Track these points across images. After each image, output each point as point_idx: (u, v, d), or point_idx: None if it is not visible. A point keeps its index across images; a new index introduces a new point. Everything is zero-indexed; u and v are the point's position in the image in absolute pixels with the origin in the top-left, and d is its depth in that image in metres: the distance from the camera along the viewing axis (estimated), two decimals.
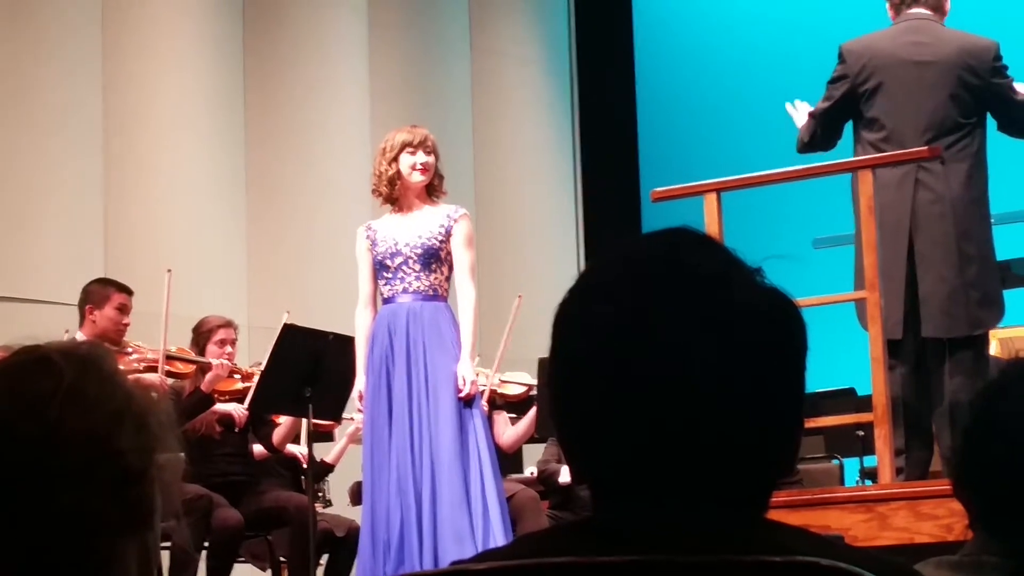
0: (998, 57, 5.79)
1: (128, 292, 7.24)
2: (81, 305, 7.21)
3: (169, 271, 7.30)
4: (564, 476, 7.95)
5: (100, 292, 7.22)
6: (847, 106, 5.84)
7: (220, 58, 9.79)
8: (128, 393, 1.51)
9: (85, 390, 1.48)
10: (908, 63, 5.75)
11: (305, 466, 7.36)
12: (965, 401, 5.48)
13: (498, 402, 8.25)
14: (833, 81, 5.87)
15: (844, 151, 5.96)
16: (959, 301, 5.58)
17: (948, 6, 5.91)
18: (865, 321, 5.54)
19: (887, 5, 5.96)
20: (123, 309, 7.19)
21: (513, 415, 8.40)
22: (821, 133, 5.91)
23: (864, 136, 5.79)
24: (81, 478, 1.44)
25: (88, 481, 1.44)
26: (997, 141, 5.96)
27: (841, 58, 5.86)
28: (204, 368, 7.38)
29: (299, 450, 7.78)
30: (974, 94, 5.73)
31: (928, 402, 5.65)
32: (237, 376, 7.52)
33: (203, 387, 7.32)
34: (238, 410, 7.37)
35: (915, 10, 5.84)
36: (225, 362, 7.40)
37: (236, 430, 7.41)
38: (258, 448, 7.73)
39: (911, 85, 5.73)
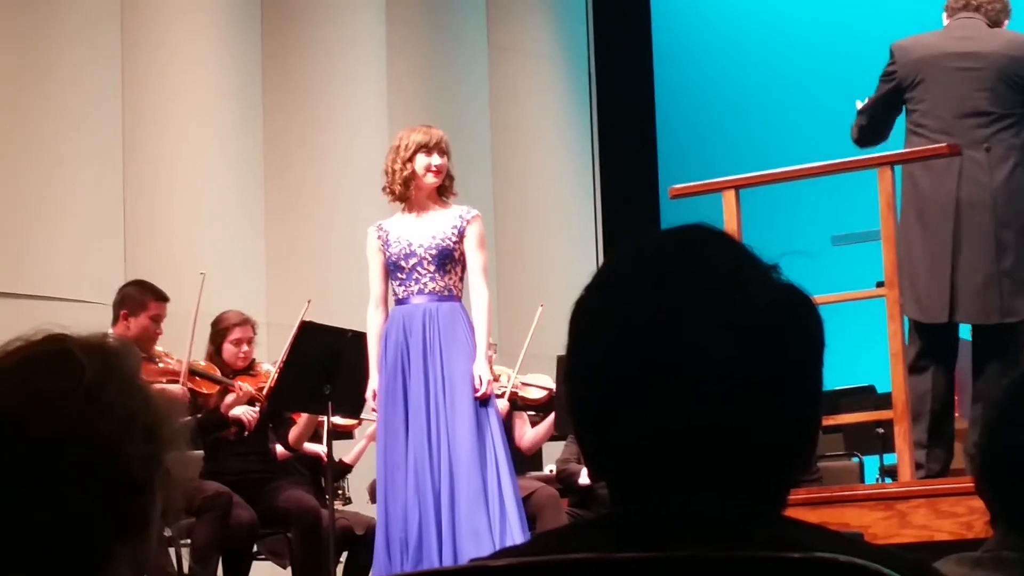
0: None
1: (164, 299, 7.19)
2: (116, 307, 7.17)
3: (203, 274, 7.29)
4: (584, 478, 7.94)
5: (137, 299, 7.15)
6: (893, 101, 5.92)
7: (238, 55, 9.80)
8: (144, 399, 1.51)
9: (102, 393, 1.47)
10: (952, 54, 5.82)
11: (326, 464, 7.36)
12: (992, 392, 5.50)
13: (519, 403, 8.24)
14: (883, 77, 5.96)
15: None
16: (992, 288, 5.61)
17: (1006, 23, 5.97)
18: (910, 306, 5.58)
19: (944, 14, 6.01)
20: (157, 319, 7.16)
21: (532, 412, 8.39)
22: (869, 127, 5.98)
23: (910, 124, 5.85)
24: (85, 483, 1.44)
25: (91, 486, 1.44)
26: None
27: (891, 55, 5.95)
28: (227, 386, 7.37)
29: (320, 449, 7.78)
30: (1018, 88, 5.78)
31: (951, 401, 5.68)
32: (251, 378, 7.51)
33: (222, 409, 7.30)
34: (247, 414, 7.34)
35: (969, 14, 5.91)
36: (247, 387, 7.37)
37: (246, 434, 7.38)
38: (280, 449, 7.73)
39: (954, 74, 5.79)
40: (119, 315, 7.11)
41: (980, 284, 5.60)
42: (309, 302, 7.37)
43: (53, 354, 1.49)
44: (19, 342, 1.53)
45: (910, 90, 5.85)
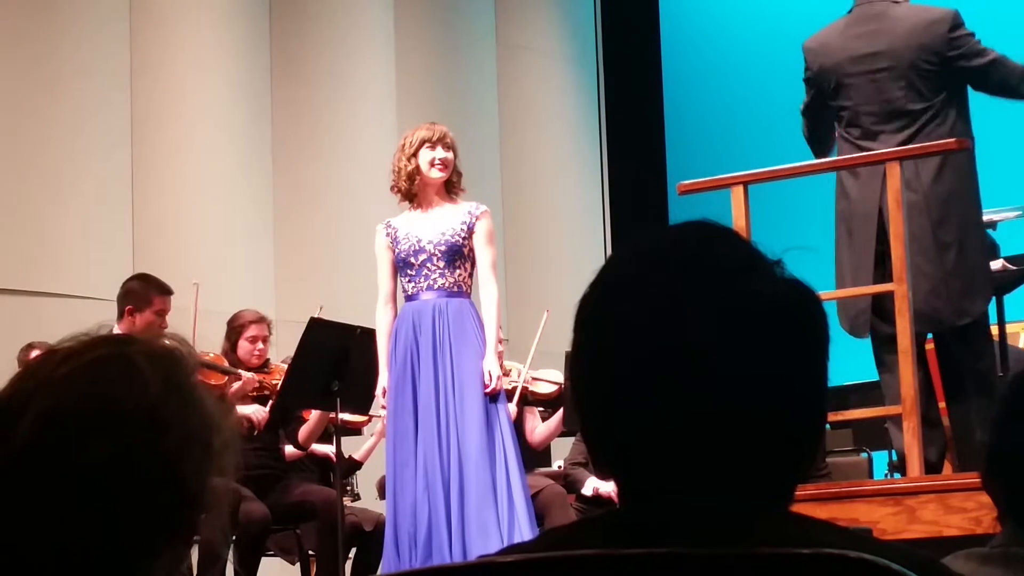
0: (955, 27, 5.53)
1: (168, 293, 7.23)
2: (121, 302, 7.20)
3: (196, 284, 7.33)
4: (588, 488, 7.92)
5: (141, 295, 7.19)
6: (821, 104, 5.76)
7: (247, 53, 9.81)
8: (203, 415, 1.50)
9: (164, 412, 1.46)
10: (858, 58, 5.61)
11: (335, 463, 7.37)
12: (975, 388, 5.46)
13: (529, 399, 8.24)
14: (804, 81, 5.82)
15: None
16: (941, 293, 5.44)
17: None
18: (843, 320, 5.52)
19: None
20: (162, 314, 7.19)
21: (542, 408, 8.39)
22: (811, 127, 5.86)
23: (839, 129, 5.71)
24: (141, 497, 1.43)
25: (147, 500, 1.44)
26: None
27: (804, 58, 5.78)
28: (234, 376, 7.39)
29: (330, 449, 7.80)
30: (934, 75, 5.52)
31: (932, 392, 5.61)
32: (265, 375, 7.53)
33: (229, 398, 7.31)
34: (258, 413, 7.36)
35: None
36: (252, 375, 7.40)
37: (256, 433, 7.38)
38: (290, 449, 7.75)
39: (865, 80, 5.59)
40: (124, 311, 7.14)
41: (927, 291, 5.40)
42: (321, 308, 7.40)
43: (115, 361, 1.48)
44: (78, 340, 1.52)
45: (830, 98, 5.68)
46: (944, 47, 5.52)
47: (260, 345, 7.58)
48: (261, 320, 7.66)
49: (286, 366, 7.35)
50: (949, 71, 5.53)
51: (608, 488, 7.79)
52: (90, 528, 1.42)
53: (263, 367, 7.60)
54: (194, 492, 1.48)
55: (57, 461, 1.42)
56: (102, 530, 1.42)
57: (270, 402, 7.43)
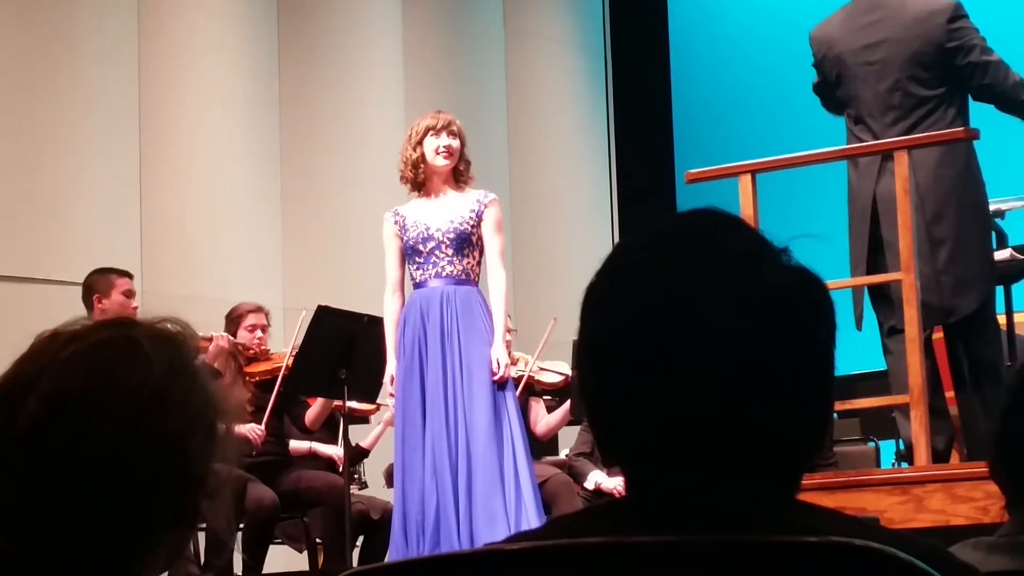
0: (954, 18, 5.44)
1: (130, 276, 7.29)
2: (86, 297, 7.22)
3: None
4: (590, 482, 7.93)
5: (103, 281, 7.24)
6: (829, 89, 5.76)
7: (255, 41, 9.80)
8: (206, 396, 1.51)
9: (169, 393, 1.47)
10: (859, 49, 5.57)
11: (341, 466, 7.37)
12: (983, 377, 5.46)
13: (536, 389, 8.24)
14: (813, 66, 5.81)
15: None
16: (931, 290, 5.39)
17: None
18: (858, 311, 5.52)
19: None
20: (129, 294, 7.21)
21: (548, 397, 8.39)
22: (825, 104, 5.86)
23: (847, 120, 5.69)
24: (145, 478, 1.44)
25: (151, 481, 1.44)
26: None
27: (811, 47, 5.76)
28: (208, 338, 7.39)
29: (334, 451, 7.81)
30: (934, 67, 5.46)
31: (940, 381, 5.60)
32: (258, 359, 7.54)
33: (208, 360, 7.31)
34: (253, 431, 7.30)
35: None
36: (224, 334, 7.42)
37: (254, 453, 7.33)
38: (295, 444, 7.74)
39: (865, 70, 5.55)
40: (91, 302, 7.17)
41: (919, 287, 5.31)
42: (304, 312, 7.39)
43: (121, 345, 1.49)
44: (83, 323, 1.53)
45: (835, 88, 5.67)
46: (943, 38, 5.45)
47: (259, 334, 7.60)
48: (259, 310, 7.70)
49: (291, 354, 7.34)
50: (946, 65, 5.47)
51: (610, 484, 7.80)
52: (93, 509, 1.42)
53: (264, 356, 7.62)
54: (198, 475, 1.48)
55: (61, 441, 1.43)
56: (105, 511, 1.43)
57: (275, 388, 7.41)
